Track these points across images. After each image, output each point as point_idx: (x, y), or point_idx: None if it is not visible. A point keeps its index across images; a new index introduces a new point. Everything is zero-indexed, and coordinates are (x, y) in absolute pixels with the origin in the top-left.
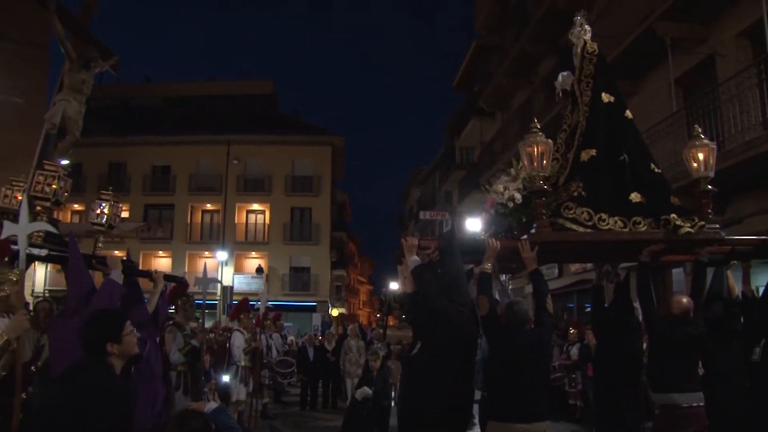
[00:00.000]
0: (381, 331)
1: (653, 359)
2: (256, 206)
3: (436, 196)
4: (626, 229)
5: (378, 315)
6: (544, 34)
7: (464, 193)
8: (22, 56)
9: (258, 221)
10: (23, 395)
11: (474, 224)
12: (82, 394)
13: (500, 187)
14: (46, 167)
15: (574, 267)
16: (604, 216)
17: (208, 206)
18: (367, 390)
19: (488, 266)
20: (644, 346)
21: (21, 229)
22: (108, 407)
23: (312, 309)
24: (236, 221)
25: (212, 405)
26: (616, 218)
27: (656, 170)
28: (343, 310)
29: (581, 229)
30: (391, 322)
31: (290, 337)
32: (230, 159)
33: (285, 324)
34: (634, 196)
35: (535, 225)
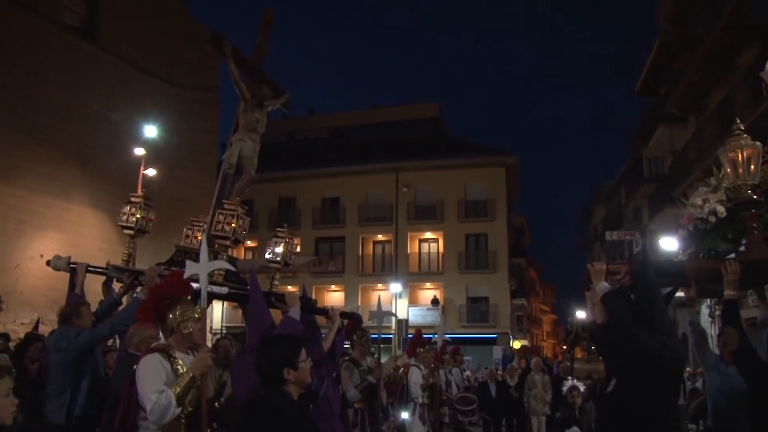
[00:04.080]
0: (568, 364)
1: None
2: (428, 235)
3: (624, 214)
4: None
5: (564, 347)
6: (743, 20)
7: (655, 209)
8: (193, 100)
9: (431, 250)
10: (208, 431)
11: (669, 243)
12: (265, 425)
13: (698, 200)
14: (225, 206)
15: None
16: None
17: (380, 237)
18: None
19: (732, 293)
20: None
21: (201, 268)
22: None
23: (492, 341)
24: (409, 251)
25: None
26: None
27: None
28: (525, 342)
29: None
30: (578, 355)
31: (467, 372)
32: (399, 187)
33: (464, 358)
34: None
35: (744, 241)
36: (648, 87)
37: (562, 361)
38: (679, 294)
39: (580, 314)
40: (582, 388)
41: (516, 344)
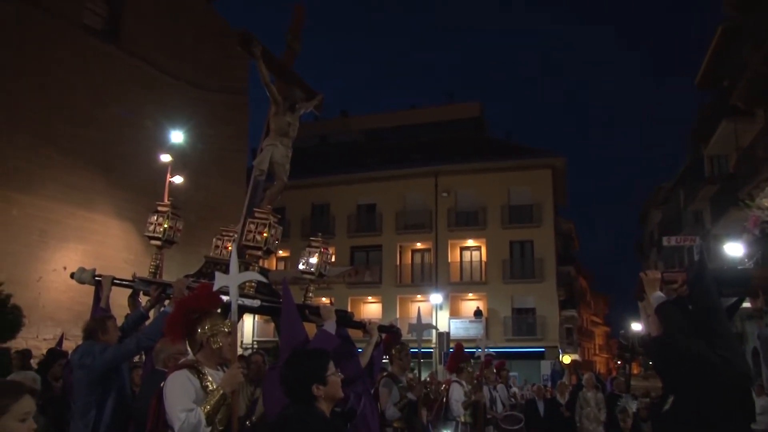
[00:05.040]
0: (623, 380)
1: None
2: (470, 242)
3: (682, 218)
4: None
5: (618, 361)
6: None
7: (718, 211)
8: (221, 103)
9: (473, 259)
10: None
11: (734, 249)
12: None
13: (765, 202)
14: (257, 215)
15: None
16: None
17: (419, 245)
18: None
19: None
20: None
21: (232, 280)
22: None
23: (539, 356)
24: (450, 260)
25: None
26: None
27: None
28: (575, 357)
29: None
30: (635, 371)
31: (513, 389)
32: (439, 192)
33: (510, 374)
34: None
35: None
36: (709, 79)
37: (617, 377)
38: (747, 305)
39: (636, 326)
40: (635, 408)
41: (566, 359)
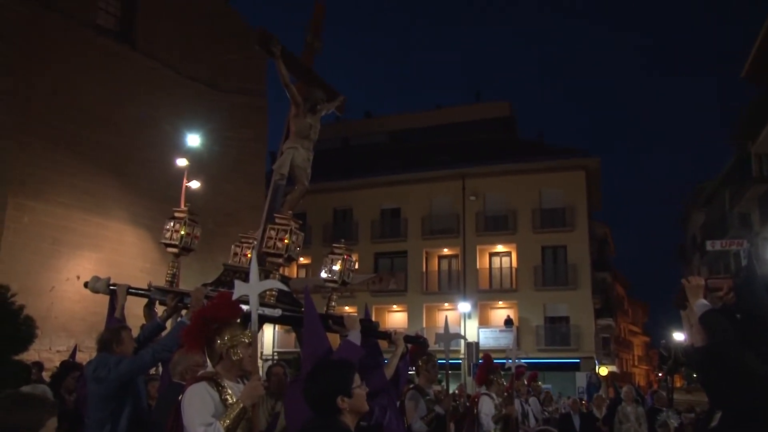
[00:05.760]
0: (664, 394)
1: None
2: (500, 248)
3: (728, 220)
4: None
5: (659, 374)
6: None
7: (767, 213)
8: (239, 105)
9: (503, 265)
10: None
11: None
12: None
13: None
14: (277, 221)
15: None
16: None
17: (446, 251)
18: None
19: None
20: None
21: (252, 289)
22: None
23: (574, 367)
24: (478, 266)
25: None
26: None
27: None
28: (613, 368)
29: None
30: (678, 384)
31: (554, 404)
32: (467, 195)
33: (543, 386)
34: None
35: None
36: (757, 71)
37: (658, 391)
38: None
39: (678, 336)
40: (676, 423)
41: (603, 370)
